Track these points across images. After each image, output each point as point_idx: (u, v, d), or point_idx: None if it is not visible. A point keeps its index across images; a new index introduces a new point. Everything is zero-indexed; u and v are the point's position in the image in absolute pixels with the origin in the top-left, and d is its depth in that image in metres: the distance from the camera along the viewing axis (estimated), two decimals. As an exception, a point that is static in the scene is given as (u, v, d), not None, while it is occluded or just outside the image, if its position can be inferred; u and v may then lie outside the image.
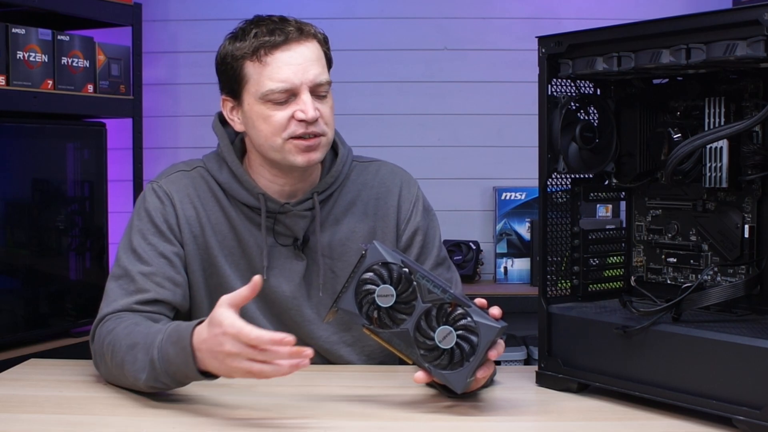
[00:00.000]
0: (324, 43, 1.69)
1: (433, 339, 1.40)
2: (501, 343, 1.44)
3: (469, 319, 1.40)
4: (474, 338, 1.40)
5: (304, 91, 1.62)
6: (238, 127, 1.70)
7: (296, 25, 1.65)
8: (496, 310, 1.43)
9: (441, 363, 1.41)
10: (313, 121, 1.62)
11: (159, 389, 1.50)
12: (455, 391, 1.42)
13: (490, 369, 1.45)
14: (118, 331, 1.55)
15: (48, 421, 1.41)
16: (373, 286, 1.42)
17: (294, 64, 1.62)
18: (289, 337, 1.33)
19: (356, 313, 1.43)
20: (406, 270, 1.42)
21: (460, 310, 1.41)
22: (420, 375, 1.42)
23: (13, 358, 2.39)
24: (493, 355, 1.42)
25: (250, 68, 1.64)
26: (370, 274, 1.42)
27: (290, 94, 1.63)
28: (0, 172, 2.60)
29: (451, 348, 1.40)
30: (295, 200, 1.72)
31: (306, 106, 1.62)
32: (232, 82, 1.67)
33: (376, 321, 1.43)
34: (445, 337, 1.40)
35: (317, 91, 1.64)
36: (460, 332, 1.40)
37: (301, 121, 1.62)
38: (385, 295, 1.42)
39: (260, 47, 1.62)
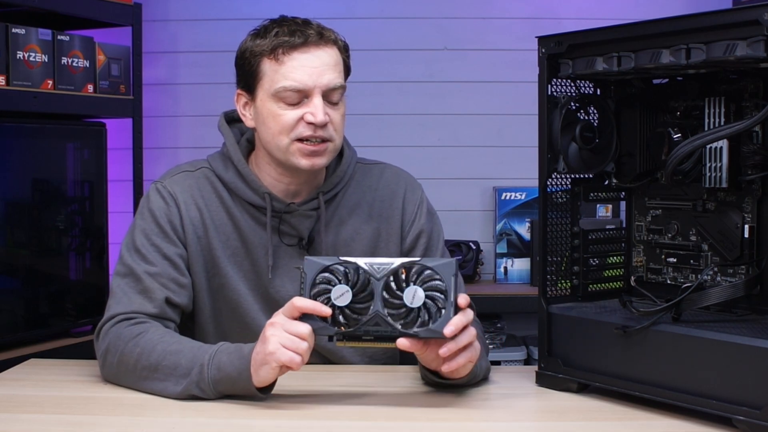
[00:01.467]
0: (344, 50, 1.70)
1: (404, 305, 1.41)
2: (463, 294, 1.45)
3: (426, 270, 1.42)
4: (440, 283, 1.41)
5: (316, 95, 1.63)
6: (249, 122, 1.71)
7: (317, 29, 1.66)
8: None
9: (423, 320, 1.42)
10: (321, 126, 1.63)
11: (188, 396, 1.50)
12: (446, 336, 1.41)
13: (469, 324, 1.45)
14: (150, 336, 1.56)
15: (48, 421, 1.41)
16: (326, 294, 1.43)
17: (310, 66, 1.63)
18: (327, 310, 1.42)
19: (326, 325, 1.43)
20: (348, 263, 1.44)
21: (414, 268, 1.42)
22: (402, 340, 1.42)
23: (13, 358, 2.39)
24: (463, 302, 1.43)
25: (267, 65, 1.64)
26: (319, 285, 1.44)
27: (302, 96, 1.63)
28: (0, 172, 2.60)
29: (424, 302, 1.41)
30: (300, 200, 1.72)
31: (316, 109, 1.62)
32: (248, 77, 1.68)
33: (345, 324, 1.43)
34: (413, 296, 1.41)
35: (330, 97, 1.65)
36: (424, 285, 1.41)
37: (309, 123, 1.62)
38: (341, 294, 1.43)
39: (279, 46, 1.63)
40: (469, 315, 1.45)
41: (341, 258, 1.45)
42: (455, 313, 1.42)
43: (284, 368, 1.45)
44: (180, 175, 1.74)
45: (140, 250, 1.67)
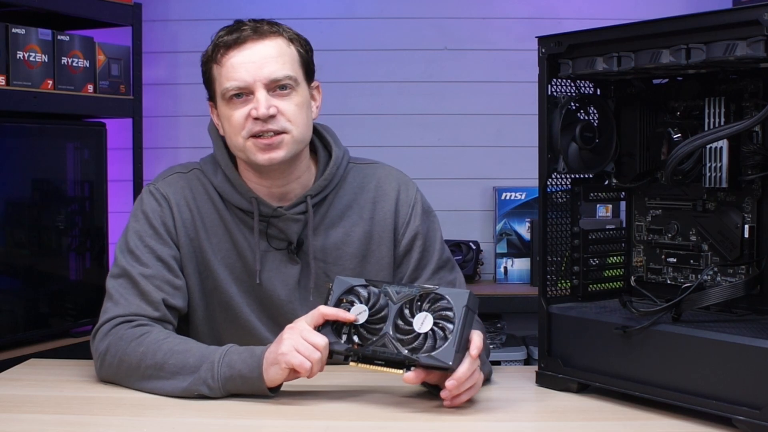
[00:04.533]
0: (294, 41, 1.68)
1: (413, 331, 1.43)
2: (477, 333, 1.46)
3: (440, 299, 1.43)
4: (449, 312, 1.42)
5: (258, 89, 1.62)
6: (221, 131, 1.71)
7: (253, 24, 1.66)
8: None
9: (428, 347, 1.42)
10: (266, 119, 1.61)
11: (192, 394, 1.51)
12: (448, 366, 1.41)
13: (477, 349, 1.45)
14: (154, 336, 1.57)
15: (48, 421, 1.41)
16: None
17: (247, 62, 1.62)
18: (351, 316, 1.46)
19: (338, 341, 1.46)
20: (372, 285, 1.48)
21: (429, 295, 1.44)
22: (410, 375, 1.43)
23: (13, 358, 2.38)
24: (475, 353, 1.43)
25: (215, 71, 1.66)
26: (342, 304, 1.48)
27: (248, 93, 1.63)
28: (0, 172, 2.60)
29: (432, 329, 1.42)
30: (288, 204, 1.71)
31: (258, 103, 1.61)
32: (208, 88, 1.70)
33: (357, 343, 1.46)
34: (422, 322, 1.43)
35: (277, 89, 1.63)
36: (435, 313, 1.43)
37: (256, 119, 1.62)
38: (359, 313, 1.46)
39: (217, 49, 1.65)
40: (476, 363, 1.45)
41: (368, 279, 1.49)
42: (459, 344, 1.41)
43: (293, 373, 1.46)
44: (173, 177, 1.74)
45: (134, 251, 1.67)
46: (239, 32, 1.64)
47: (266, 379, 1.47)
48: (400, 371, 1.43)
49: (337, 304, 1.48)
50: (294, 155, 1.67)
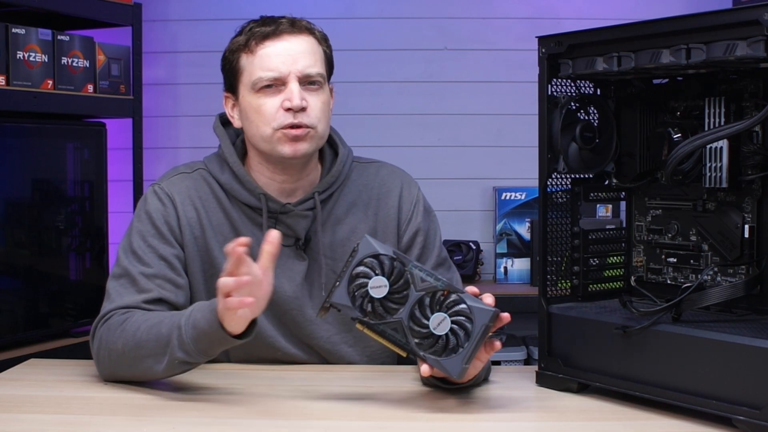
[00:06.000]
0: (322, 41, 1.72)
1: (427, 327, 1.40)
2: (497, 343, 1.45)
3: (462, 305, 1.40)
4: (468, 323, 1.40)
5: (291, 81, 1.64)
6: (237, 123, 1.72)
7: (289, 19, 1.68)
8: (489, 299, 1.43)
9: (436, 350, 1.41)
10: (299, 110, 1.63)
11: (177, 366, 1.50)
12: (453, 378, 1.41)
13: (485, 357, 1.45)
14: (135, 318, 1.56)
15: (48, 421, 1.41)
16: (366, 279, 1.42)
17: (283, 54, 1.64)
18: (245, 278, 1.41)
19: (350, 306, 1.43)
20: (398, 261, 1.43)
21: (453, 297, 1.41)
22: (426, 368, 1.42)
23: (13, 358, 2.39)
24: (485, 354, 1.43)
25: (244, 60, 1.67)
26: (362, 267, 1.43)
27: (280, 84, 1.65)
28: (0, 172, 2.60)
29: (446, 334, 1.40)
30: (296, 200, 1.72)
31: (292, 94, 1.63)
32: (230, 77, 1.71)
33: (369, 313, 1.43)
34: (439, 323, 1.40)
35: (308, 84, 1.66)
36: (454, 318, 1.40)
37: (288, 110, 1.63)
38: (378, 286, 1.42)
39: (251, 38, 1.66)
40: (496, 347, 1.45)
41: (396, 252, 1.44)
42: (470, 359, 1.40)
43: (243, 314, 1.43)
44: (177, 177, 1.74)
45: (137, 252, 1.67)
46: (276, 25, 1.66)
47: (228, 329, 1.45)
48: (401, 352, 1.43)
49: (359, 265, 1.42)
50: (314, 151, 1.70)
